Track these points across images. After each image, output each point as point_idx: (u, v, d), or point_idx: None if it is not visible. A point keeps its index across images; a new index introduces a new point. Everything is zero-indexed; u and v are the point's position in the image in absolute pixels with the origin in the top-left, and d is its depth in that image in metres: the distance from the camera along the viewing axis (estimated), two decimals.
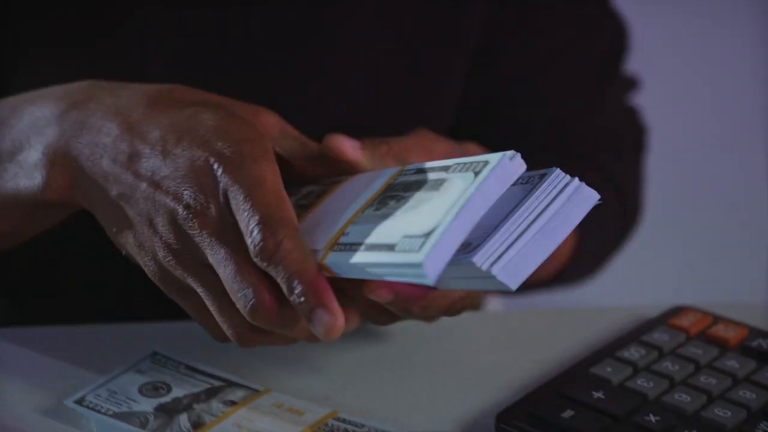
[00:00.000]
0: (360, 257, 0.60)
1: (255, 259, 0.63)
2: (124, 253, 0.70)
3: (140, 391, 0.70)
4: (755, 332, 0.75)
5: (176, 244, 0.66)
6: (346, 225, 0.64)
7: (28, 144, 0.72)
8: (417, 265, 0.57)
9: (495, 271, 0.57)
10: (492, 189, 0.60)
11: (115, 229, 0.70)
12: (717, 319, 0.77)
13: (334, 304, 0.62)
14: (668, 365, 0.72)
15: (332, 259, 0.62)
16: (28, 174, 0.71)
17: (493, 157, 0.60)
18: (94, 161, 0.69)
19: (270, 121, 0.72)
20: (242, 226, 0.64)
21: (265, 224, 0.63)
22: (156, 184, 0.67)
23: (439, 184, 0.62)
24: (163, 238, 0.67)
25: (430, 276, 0.57)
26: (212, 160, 0.66)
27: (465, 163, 0.62)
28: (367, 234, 0.61)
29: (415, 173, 0.64)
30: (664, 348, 0.74)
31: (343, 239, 0.62)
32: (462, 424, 0.70)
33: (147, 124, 0.69)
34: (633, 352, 0.73)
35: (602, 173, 1.01)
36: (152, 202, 0.67)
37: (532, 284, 0.98)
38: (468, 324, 0.81)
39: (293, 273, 0.62)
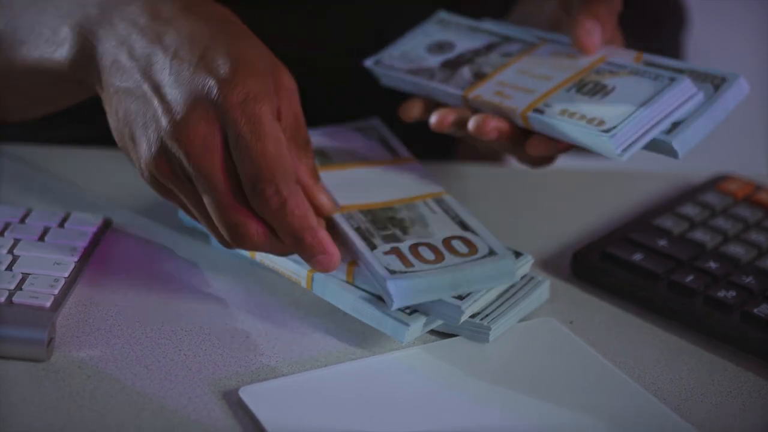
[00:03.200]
0: (556, 123, 0.72)
1: (258, 210, 0.66)
2: (119, 143, 0.71)
3: (428, 49, 0.82)
4: None
5: (160, 155, 0.67)
6: (547, 94, 0.74)
7: (63, 17, 0.74)
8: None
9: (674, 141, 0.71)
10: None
11: (113, 118, 0.71)
12: (758, 186, 0.86)
13: (333, 248, 0.67)
14: (721, 222, 0.81)
15: (533, 118, 0.73)
16: (55, 44, 0.74)
17: (731, 76, 0.73)
18: (116, 50, 0.70)
19: (285, 83, 0.70)
20: (243, 174, 0.66)
21: (268, 180, 0.65)
22: (157, 89, 0.68)
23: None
24: (151, 144, 0.67)
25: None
26: (217, 88, 0.66)
27: (702, 73, 0.74)
28: (569, 105, 0.73)
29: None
30: (716, 208, 0.83)
31: (542, 107, 0.73)
32: (542, 261, 0.79)
33: (171, 26, 0.70)
34: (689, 209, 0.82)
35: None
36: (148, 104, 0.68)
37: None
38: (544, 178, 0.90)
39: (297, 228, 0.66)
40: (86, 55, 0.72)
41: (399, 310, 0.69)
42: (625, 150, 0.71)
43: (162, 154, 0.67)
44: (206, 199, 0.67)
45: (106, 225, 0.77)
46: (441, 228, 0.72)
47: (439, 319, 0.69)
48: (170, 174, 0.68)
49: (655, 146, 0.72)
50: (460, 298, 0.69)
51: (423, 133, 0.85)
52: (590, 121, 0.71)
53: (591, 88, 0.74)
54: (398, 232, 0.71)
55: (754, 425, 0.66)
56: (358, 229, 0.71)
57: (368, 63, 0.83)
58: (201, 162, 0.66)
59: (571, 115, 0.72)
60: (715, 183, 0.86)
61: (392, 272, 0.68)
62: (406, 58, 0.82)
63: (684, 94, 0.72)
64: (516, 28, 0.82)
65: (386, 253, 0.69)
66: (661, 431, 0.64)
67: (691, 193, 0.85)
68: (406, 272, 0.68)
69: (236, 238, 0.67)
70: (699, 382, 0.69)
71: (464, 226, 0.72)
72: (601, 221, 0.84)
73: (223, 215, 0.66)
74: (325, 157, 0.78)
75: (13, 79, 0.78)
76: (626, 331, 0.73)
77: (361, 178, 0.76)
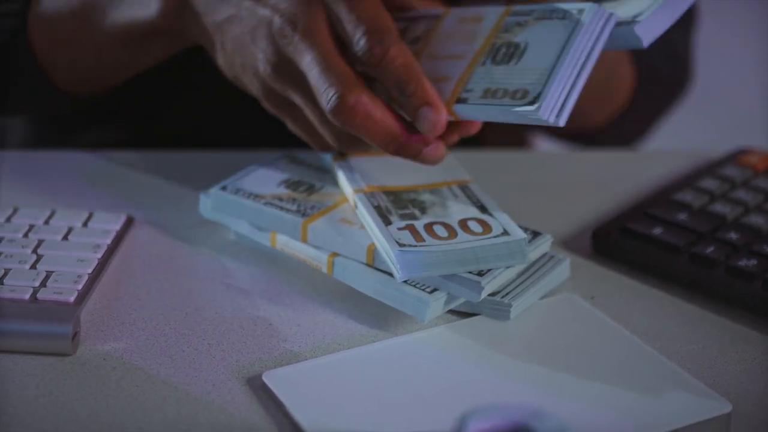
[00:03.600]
0: (482, 109, 0.69)
1: (364, 67, 0.71)
2: (231, 77, 0.77)
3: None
4: None
5: (274, 55, 0.72)
6: (464, 77, 0.71)
7: None
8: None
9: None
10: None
11: (221, 54, 0.76)
12: None
13: (439, 102, 0.70)
14: (742, 194, 0.81)
15: (459, 110, 0.70)
16: (144, 2, 0.79)
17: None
18: None
19: None
20: (348, 35, 0.71)
21: (371, 33, 0.70)
22: (258, 0, 0.73)
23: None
24: (263, 51, 0.72)
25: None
26: None
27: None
28: (488, 82, 0.70)
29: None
30: (737, 180, 0.83)
31: (464, 94, 0.71)
32: (562, 240, 0.79)
33: None
34: (709, 183, 0.82)
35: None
36: (254, 16, 0.73)
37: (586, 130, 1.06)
38: (564, 161, 0.90)
39: (401, 74, 0.70)
40: (178, 4, 0.77)
41: (419, 288, 0.69)
42: (558, 115, 0.67)
43: (276, 55, 0.72)
44: (311, 74, 0.70)
45: (129, 222, 0.78)
46: (459, 210, 0.72)
47: (460, 297, 0.70)
48: (285, 75, 0.72)
49: (617, 41, 0.69)
50: (480, 275, 0.69)
51: None
52: (513, 95, 0.68)
53: (504, 52, 0.71)
54: (417, 212, 0.71)
55: None
56: (377, 207, 0.71)
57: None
58: (312, 38, 0.71)
59: (494, 94, 0.69)
60: (734, 157, 0.86)
61: (402, 245, 0.68)
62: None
63: (598, 23, 0.68)
64: None
65: (400, 229, 0.70)
66: (690, 401, 0.64)
67: (711, 168, 0.85)
68: (415, 246, 0.68)
69: (334, 106, 0.70)
70: (723, 351, 0.69)
71: (483, 209, 0.72)
72: (621, 199, 0.84)
73: (326, 75, 0.70)
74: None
75: (107, 41, 0.83)
76: (648, 305, 0.73)
77: (391, 162, 0.76)
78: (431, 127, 0.70)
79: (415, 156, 0.72)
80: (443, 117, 0.70)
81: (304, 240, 0.73)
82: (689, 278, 0.74)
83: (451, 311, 0.71)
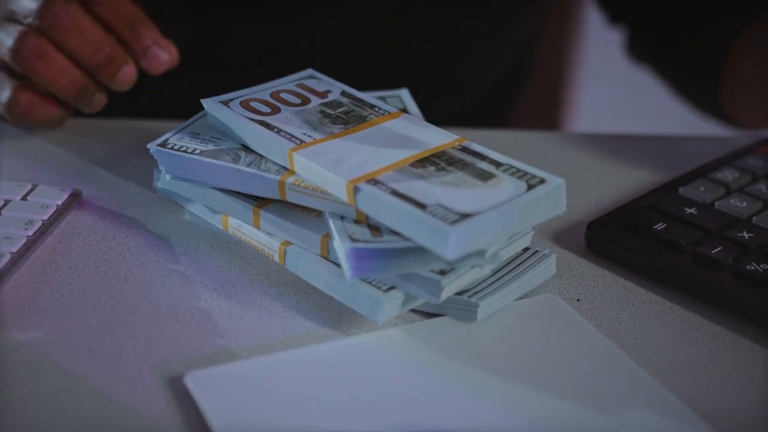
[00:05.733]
0: (390, 200, 0.60)
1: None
2: None
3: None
4: None
5: (22, 36, 0.73)
6: (389, 167, 0.62)
7: None
8: (443, 234, 0.58)
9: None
10: (538, 211, 0.61)
11: None
12: None
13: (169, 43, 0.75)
14: (762, 188, 0.71)
15: (365, 190, 0.61)
16: None
17: (552, 179, 0.61)
18: None
19: None
20: None
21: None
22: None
23: (487, 176, 0.62)
24: (11, 34, 0.73)
25: (449, 249, 0.58)
26: None
27: (519, 170, 0.62)
28: (404, 184, 0.61)
29: (465, 152, 0.64)
30: (758, 172, 0.73)
31: (380, 177, 0.62)
32: (553, 234, 0.70)
33: None
34: (726, 174, 0.73)
35: None
36: None
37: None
38: (558, 142, 0.82)
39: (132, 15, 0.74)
40: None
41: (375, 286, 0.61)
42: (456, 250, 0.58)
43: (25, 34, 0.73)
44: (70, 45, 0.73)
45: (74, 197, 0.71)
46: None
47: (420, 297, 0.62)
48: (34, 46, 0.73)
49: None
50: (443, 273, 0.61)
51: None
52: (426, 207, 0.60)
53: (432, 170, 0.63)
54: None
55: None
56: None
57: (152, 147, 0.68)
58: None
59: (407, 198, 0.61)
60: (760, 145, 0.77)
61: (354, 240, 0.60)
62: (199, 139, 0.69)
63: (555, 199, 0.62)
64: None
65: (357, 220, 0.62)
66: (668, 427, 0.55)
67: (730, 157, 0.75)
68: (370, 241, 0.60)
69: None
70: (720, 366, 0.60)
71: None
72: (625, 190, 0.75)
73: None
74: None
75: None
76: (641, 311, 0.64)
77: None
78: (159, 65, 0.75)
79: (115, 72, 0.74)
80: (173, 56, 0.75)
81: (257, 225, 0.66)
82: (690, 282, 0.65)
83: (415, 311, 0.63)
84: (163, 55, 0.74)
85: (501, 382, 0.57)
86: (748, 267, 0.64)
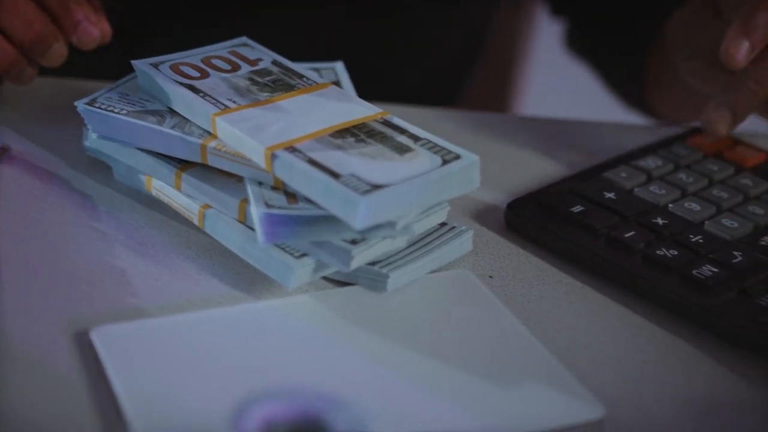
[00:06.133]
0: (305, 168, 0.61)
1: None
2: None
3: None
4: None
5: None
6: (308, 136, 0.63)
7: None
8: (353, 203, 0.59)
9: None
10: (451, 186, 0.62)
11: None
12: (737, 141, 0.78)
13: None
14: (683, 177, 0.73)
15: (282, 157, 0.62)
16: None
17: (467, 156, 0.62)
18: None
19: None
20: None
21: None
22: None
23: (404, 149, 0.63)
24: None
25: (359, 218, 0.59)
26: None
27: (437, 145, 0.63)
28: (321, 154, 0.62)
29: (386, 125, 0.65)
30: (681, 162, 0.74)
31: (298, 146, 0.62)
32: (474, 212, 0.71)
33: None
34: (650, 162, 0.74)
35: None
36: None
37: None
38: (497, 124, 0.83)
39: None
40: None
41: (287, 252, 0.62)
42: (365, 219, 0.59)
43: None
44: None
45: (3, 151, 0.71)
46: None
47: (331, 265, 0.62)
48: None
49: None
50: (354, 242, 0.62)
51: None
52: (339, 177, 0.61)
53: (352, 141, 0.64)
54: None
55: (675, 401, 0.58)
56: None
57: (79, 105, 0.68)
58: None
59: (323, 167, 0.61)
60: (686, 136, 0.78)
61: (269, 206, 0.61)
62: (127, 100, 0.69)
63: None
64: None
65: (275, 187, 0.63)
66: (560, 403, 0.56)
67: (656, 145, 0.77)
68: (286, 208, 0.61)
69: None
70: (621, 348, 0.62)
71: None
72: (554, 172, 0.76)
73: None
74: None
75: None
76: (552, 290, 0.66)
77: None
78: (90, 41, 0.74)
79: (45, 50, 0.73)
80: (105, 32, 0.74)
81: (178, 188, 0.67)
82: (603, 265, 0.66)
83: (329, 279, 0.64)
84: (94, 31, 0.74)
85: (403, 352, 0.58)
86: (658, 252, 0.65)
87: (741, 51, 0.68)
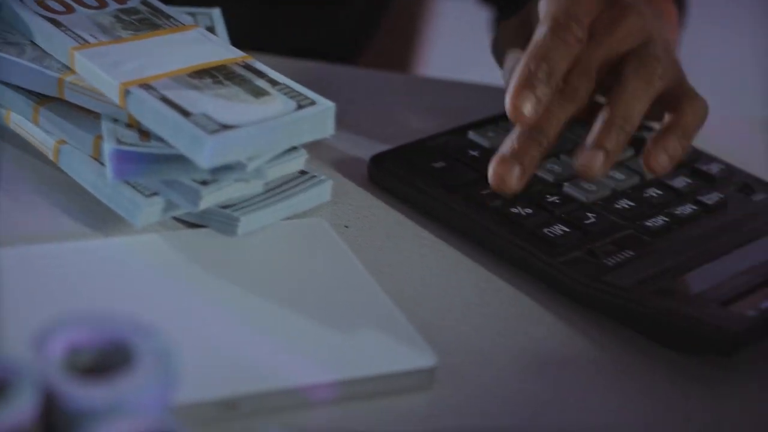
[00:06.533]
0: (156, 105, 0.61)
1: None
2: None
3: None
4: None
5: None
6: (165, 74, 0.63)
7: None
8: (200, 142, 0.59)
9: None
10: (303, 131, 0.62)
11: None
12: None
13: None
14: None
15: (135, 94, 0.61)
16: None
17: (322, 102, 0.62)
18: None
19: None
20: None
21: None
22: None
23: (260, 93, 0.63)
24: None
25: (205, 157, 0.59)
26: None
27: (294, 90, 0.63)
28: (175, 92, 0.62)
29: (246, 69, 0.65)
30: None
31: (153, 83, 0.62)
32: (338, 163, 0.71)
33: None
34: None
35: None
36: None
37: None
38: (375, 82, 0.83)
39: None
40: None
41: (137, 190, 0.62)
42: (211, 158, 0.59)
43: None
44: None
45: None
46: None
47: (180, 205, 0.62)
48: None
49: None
50: (205, 183, 0.61)
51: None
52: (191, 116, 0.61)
53: (210, 82, 0.64)
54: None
55: (509, 354, 0.59)
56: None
57: None
58: None
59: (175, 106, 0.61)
60: None
61: (120, 143, 0.61)
62: None
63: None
64: None
65: (129, 124, 0.62)
66: (393, 350, 0.56)
67: None
68: (137, 145, 0.61)
69: None
70: (465, 301, 0.62)
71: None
72: (424, 129, 0.76)
73: None
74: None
75: None
76: (406, 243, 0.66)
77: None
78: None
79: None
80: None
81: (36, 122, 0.66)
82: (459, 221, 0.67)
83: (181, 220, 0.64)
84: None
85: (240, 295, 0.58)
86: (513, 210, 0.66)
87: (527, 106, 0.66)
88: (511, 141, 0.65)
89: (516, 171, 0.64)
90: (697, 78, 0.73)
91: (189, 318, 0.56)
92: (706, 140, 0.73)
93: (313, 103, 0.62)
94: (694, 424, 0.57)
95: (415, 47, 1.23)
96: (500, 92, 0.83)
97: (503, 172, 0.64)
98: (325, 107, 0.62)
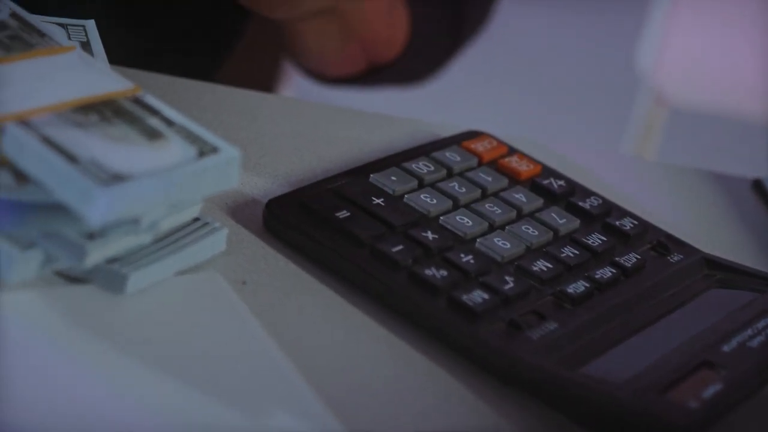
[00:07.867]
0: (38, 147, 0.53)
1: None
2: None
3: None
4: (548, 171, 0.72)
5: None
6: (46, 108, 0.55)
7: None
8: (90, 195, 0.51)
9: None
10: (205, 183, 0.55)
11: None
12: (513, 151, 0.73)
13: None
14: (455, 186, 0.68)
15: (12, 133, 0.53)
16: None
17: (226, 149, 0.55)
18: None
19: None
20: None
21: None
22: None
23: (155, 135, 0.56)
24: None
25: (95, 213, 0.51)
26: None
27: (192, 133, 0.56)
28: (59, 132, 0.54)
29: (137, 104, 0.57)
30: (454, 168, 0.69)
31: (32, 119, 0.54)
32: (234, 206, 0.65)
33: None
34: (421, 166, 0.69)
35: None
36: None
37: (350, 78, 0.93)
38: (252, 104, 0.76)
39: None
40: None
41: (12, 241, 0.54)
42: (102, 216, 0.52)
43: None
44: None
45: None
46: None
47: (62, 260, 0.55)
48: None
49: None
50: (91, 236, 0.54)
51: None
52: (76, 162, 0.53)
53: (95, 120, 0.56)
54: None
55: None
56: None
57: None
58: None
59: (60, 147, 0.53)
60: (461, 139, 0.73)
61: None
62: None
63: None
64: None
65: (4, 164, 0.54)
66: (301, 426, 0.51)
67: (429, 147, 0.71)
68: (10, 190, 0.53)
69: None
70: (376, 374, 0.56)
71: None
72: (329, 164, 0.70)
73: None
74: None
75: None
76: (310, 303, 0.59)
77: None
78: None
79: None
80: None
81: None
82: (367, 280, 0.61)
83: (63, 275, 0.56)
84: None
85: (125, 360, 0.51)
86: (426, 272, 0.60)
87: None
88: None
89: None
90: (697, 78, 0.69)
91: (63, 389, 0.49)
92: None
93: (215, 150, 0.55)
94: None
95: (277, 65, 1.15)
96: (382, 119, 0.78)
97: None
98: (229, 156, 0.55)
